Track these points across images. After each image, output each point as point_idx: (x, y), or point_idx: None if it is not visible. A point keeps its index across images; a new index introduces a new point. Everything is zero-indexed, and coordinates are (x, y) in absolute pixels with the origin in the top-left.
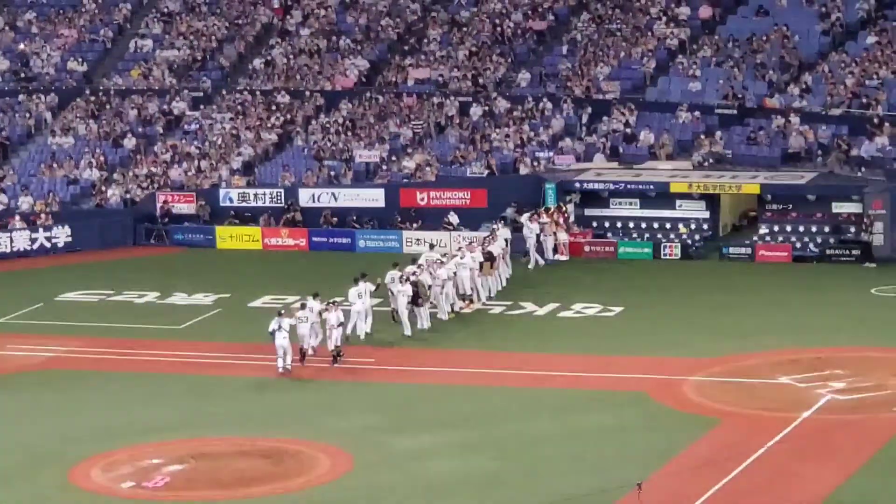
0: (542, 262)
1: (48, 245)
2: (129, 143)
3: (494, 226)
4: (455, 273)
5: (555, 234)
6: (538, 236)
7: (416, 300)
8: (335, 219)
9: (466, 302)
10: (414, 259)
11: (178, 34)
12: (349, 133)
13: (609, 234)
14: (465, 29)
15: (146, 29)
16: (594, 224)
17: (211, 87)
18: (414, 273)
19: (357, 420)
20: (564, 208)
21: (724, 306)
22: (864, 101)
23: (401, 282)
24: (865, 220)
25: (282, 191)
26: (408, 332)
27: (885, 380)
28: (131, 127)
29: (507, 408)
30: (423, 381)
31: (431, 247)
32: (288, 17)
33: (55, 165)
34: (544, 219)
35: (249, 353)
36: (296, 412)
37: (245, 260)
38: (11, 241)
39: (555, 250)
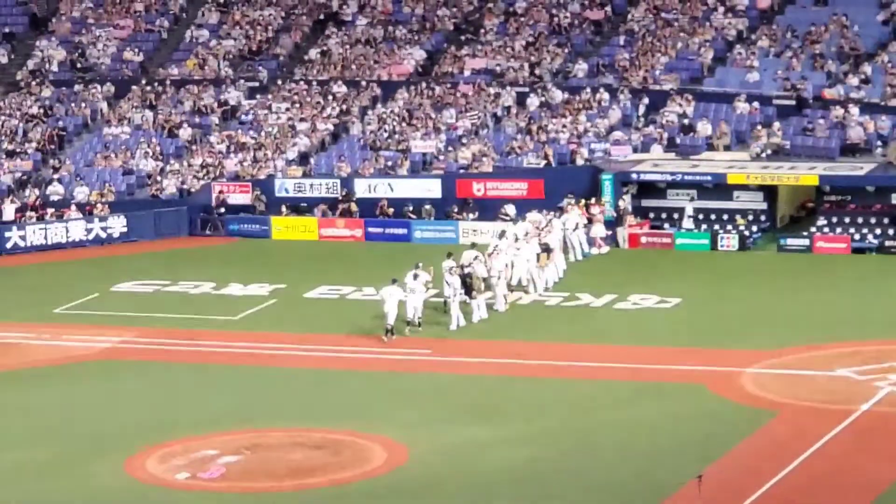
0: (580, 257)
1: (104, 235)
2: (185, 133)
3: (550, 216)
4: (512, 263)
5: (592, 226)
6: (576, 228)
7: (468, 292)
8: (391, 209)
9: (519, 294)
10: (475, 244)
11: (234, 24)
12: (405, 123)
13: (666, 226)
14: (521, 19)
15: (202, 19)
16: (651, 215)
17: (267, 77)
18: (469, 264)
19: (412, 411)
20: (603, 201)
21: (782, 298)
22: None
23: (451, 273)
24: None
25: (337, 181)
26: (453, 325)
27: None
28: (187, 117)
29: (564, 399)
30: (478, 372)
31: (473, 245)
32: (344, 6)
33: (111, 156)
34: (577, 211)
35: (305, 343)
36: (351, 403)
37: (300, 250)
38: (67, 231)
39: (591, 244)
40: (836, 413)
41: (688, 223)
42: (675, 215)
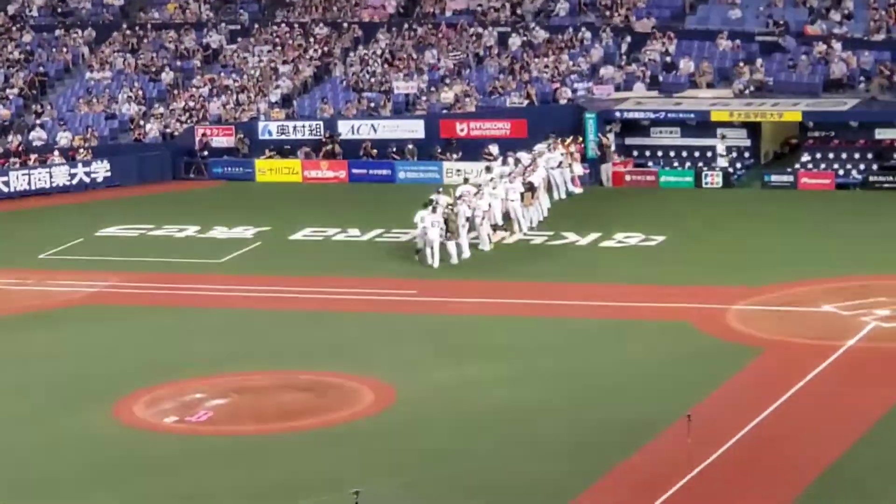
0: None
1: (87, 180)
2: (167, 77)
3: (533, 154)
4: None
5: (570, 166)
6: (559, 166)
7: (446, 233)
8: (375, 150)
9: (508, 232)
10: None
11: None
12: (388, 64)
13: (650, 164)
14: None
15: None
16: (635, 153)
17: (248, 19)
18: (449, 205)
19: (400, 352)
20: (580, 139)
21: (767, 235)
22: None
23: (441, 208)
24: None
25: (321, 123)
26: (435, 263)
27: None
28: (169, 61)
29: (550, 339)
30: (465, 312)
31: (466, 180)
32: None
33: (93, 100)
34: (561, 150)
35: (291, 286)
36: (338, 345)
37: (285, 193)
38: (51, 176)
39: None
40: (822, 348)
41: (721, 161)
42: (659, 153)
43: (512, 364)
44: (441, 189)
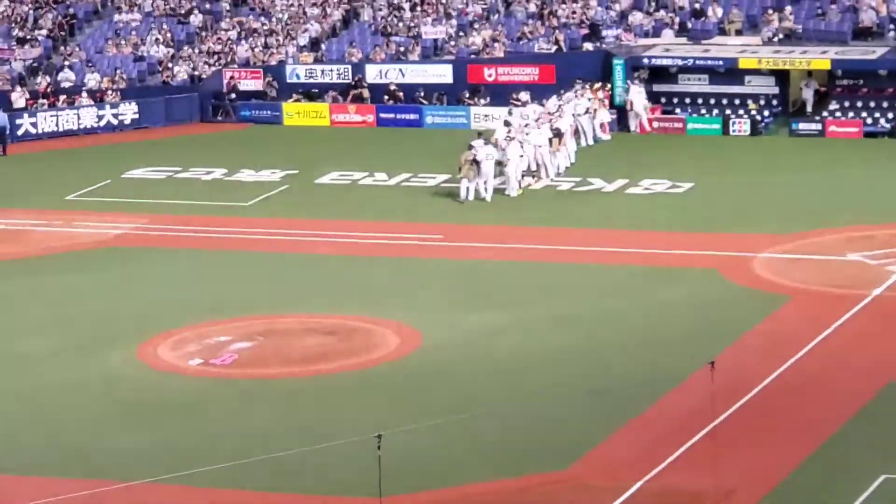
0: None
1: (115, 122)
2: (196, 19)
3: (561, 101)
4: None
5: (596, 112)
6: (586, 113)
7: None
8: (402, 94)
9: (535, 178)
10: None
11: None
12: (416, 9)
13: (678, 111)
14: None
15: None
16: (662, 100)
17: None
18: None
19: (425, 297)
20: (608, 86)
21: (795, 183)
22: None
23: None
24: None
25: (349, 67)
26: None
27: None
28: (197, 3)
29: (576, 284)
30: (491, 257)
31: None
32: None
33: (122, 42)
34: (589, 95)
35: (317, 229)
36: (364, 289)
37: (312, 136)
38: (79, 117)
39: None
40: (848, 297)
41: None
42: (687, 100)
43: (537, 310)
44: (480, 133)
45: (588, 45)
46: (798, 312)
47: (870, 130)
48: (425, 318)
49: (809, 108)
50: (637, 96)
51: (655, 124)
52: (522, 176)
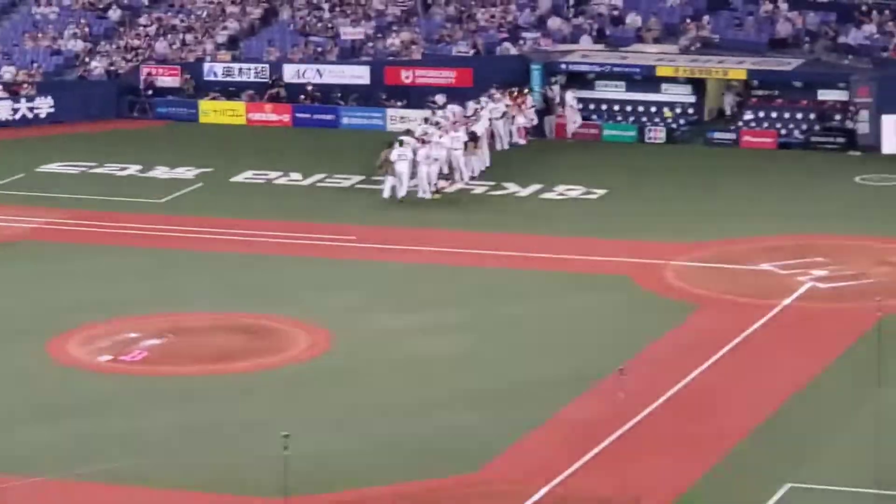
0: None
1: (30, 115)
2: (114, 14)
3: (478, 105)
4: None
5: (513, 117)
6: (503, 117)
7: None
8: (319, 95)
9: (449, 181)
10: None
11: None
12: (335, 9)
13: (594, 117)
14: None
15: None
16: (579, 106)
17: None
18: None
19: (337, 298)
20: (525, 91)
21: (708, 191)
22: None
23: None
24: (851, 107)
25: (266, 66)
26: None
27: (867, 268)
28: None
29: (487, 289)
30: (403, 259)
31: (408, 132)
32: None
33: (39, 35)
34: (507, 101)
35: (231, 228)
36: (275, 289)
37: (228, 135)
38: None
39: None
40: (758, 307)
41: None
42: (604, 106)
43: (447, 314)
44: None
45: (507, 48)
46: (708, 320)
47: (784, 141)
48: (336, 320)
49: (728, 112)
50: (571, 100)
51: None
52: (438, 179)
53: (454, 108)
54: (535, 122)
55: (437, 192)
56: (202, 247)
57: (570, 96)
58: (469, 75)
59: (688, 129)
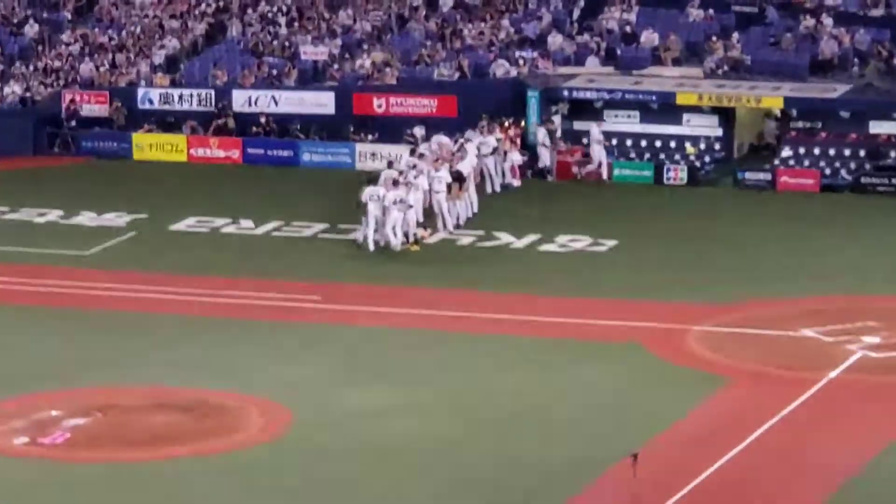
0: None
1: None
2: (31, 30)
3: (464, 139)
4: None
5: (506, 153)
6: (494, 153)
7: None
8: (275, 126)
9: (428, 230)
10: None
11: None
12: (294, 24)
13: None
14: None
15: None
16: (584, 141)
17: None
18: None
19: (297, 369)
20: (520, 123)
21: (738, 243)
22: None
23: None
24: None
25: (212, 92)
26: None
27: None
28: (33, 12)
29: (476, 360)
30: (375, 324)
31: (390, 164)
32: None
33: None
34: (498, 135)
35: (169, 285)
36: (224, 359)
37: (167, 174)
38: None
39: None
40: (797, 381)
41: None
42: (615, 141)
43: (429, 388)
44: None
45: (504, 68)
46: (737, 398)
47: (828, 183)
48: (296, 395)
49: (771, 141)
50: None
51: (575, 169)
52: (416, 227)
53: (440, 139)
54: (527, 158)
55: (416, 242)
56: (134, 308)
57: (597, 130)
58: (453, 103)
59: (714, 169)
